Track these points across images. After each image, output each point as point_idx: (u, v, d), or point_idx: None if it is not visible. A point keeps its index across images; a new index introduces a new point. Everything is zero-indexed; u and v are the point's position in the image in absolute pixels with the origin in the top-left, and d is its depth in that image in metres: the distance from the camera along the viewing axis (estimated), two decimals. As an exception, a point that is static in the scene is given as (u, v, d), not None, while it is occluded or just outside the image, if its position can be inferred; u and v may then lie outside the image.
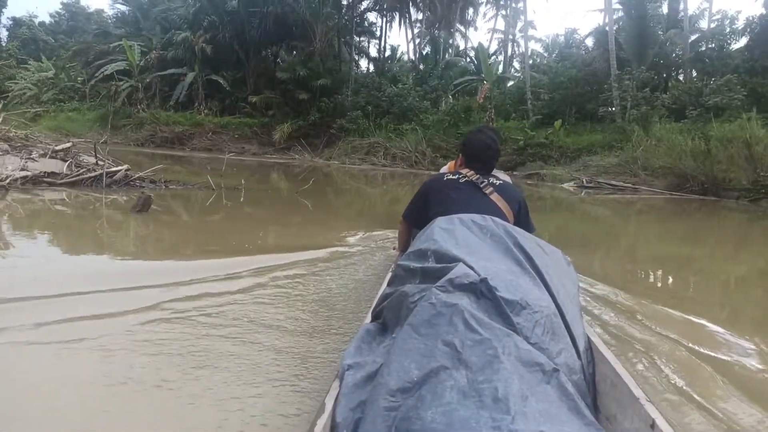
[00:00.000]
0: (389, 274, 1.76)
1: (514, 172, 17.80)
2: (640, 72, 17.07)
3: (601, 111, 17.88)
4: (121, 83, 25.32)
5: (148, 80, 25.35)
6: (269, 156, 22.15)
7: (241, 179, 8.36)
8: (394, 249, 3.17)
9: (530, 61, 25.83)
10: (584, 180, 14.47)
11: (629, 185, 13.99)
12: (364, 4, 29.81)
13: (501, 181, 2.08)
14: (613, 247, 5.99)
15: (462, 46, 33.42)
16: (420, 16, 32.88)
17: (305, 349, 2.00)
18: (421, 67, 29.06)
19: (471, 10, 33.87)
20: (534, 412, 0.96)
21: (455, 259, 1.43)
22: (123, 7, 31.79)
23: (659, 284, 4.17)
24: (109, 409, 1.51)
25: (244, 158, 20.46)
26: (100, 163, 6.95)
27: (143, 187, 6.93)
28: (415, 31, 33.50)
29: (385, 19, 30.71)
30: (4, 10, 48.34)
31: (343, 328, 2.22)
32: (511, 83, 26.86)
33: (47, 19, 46.59)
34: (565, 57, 23.90)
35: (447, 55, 30.86)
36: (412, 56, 32.08)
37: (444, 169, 2.54)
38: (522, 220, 2.02)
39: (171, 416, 1.50)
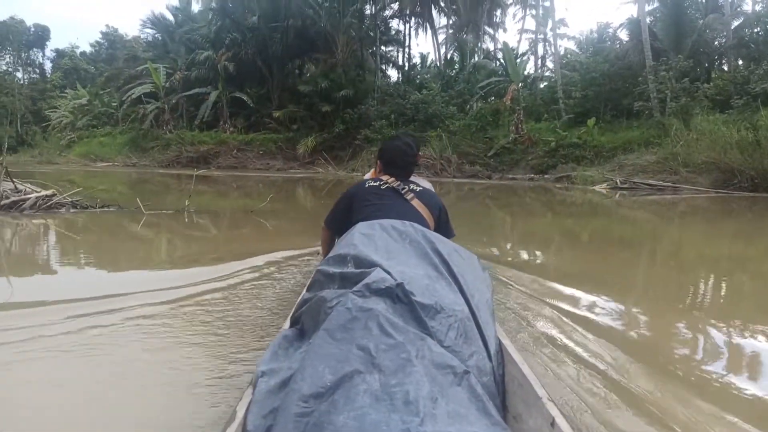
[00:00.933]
0: (310, 280, 1.81)
1: (545, 176, 17.41)
2: (678, 61, 16.40)
3: (637, 105, 17.30)
4: (148, 106, 26.45)
5: (174, 101, 26.38)
6: (294, 171, 22.53)
7: (185, 200, 7.25)
8: (318, 254, 3.27)
9: (563, 60, 25.39)
10: (618, 181, 13.89)
11: (669, 184, 13.39)
12: (388, 13, 30.24)
13: (421, 188, 2.18)
14: (663, 263, 5.13)
15: (492, 49, 33.27)
16: (445, 22, 33.10)
17: (223, 357, 2.04)
18: (451, 72, 29.06)
19: (499, 12, 33.81)
20: (443, 414, 1.01)
21: (373, 264, 1.47)
22: (151, 31, 33.36)
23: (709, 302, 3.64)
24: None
25: (269, 174, 20.89)
26: (19, 188, 6.81)
27: (60, 212, 6.55)
28: (443, 36, 33.71)
29: (408, 26, 30.98)
30: (47, 42, 52.19)
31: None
32: (544, 84, 26.44)
33: (88, 49, 49.72)
34: (597, 52, 23.31)
35: (475, 58, 30.73)
36: (438, 62, 32.16)
37: (367, 176, 2.64)
38: (442, 224, 2.15)
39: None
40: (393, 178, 2.15)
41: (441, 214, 2.16)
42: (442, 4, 30.45)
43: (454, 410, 1.03)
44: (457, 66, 30.25)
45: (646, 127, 16.66)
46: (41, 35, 51.89)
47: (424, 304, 1.32)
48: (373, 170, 2.63)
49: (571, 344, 2.34)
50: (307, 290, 1.65)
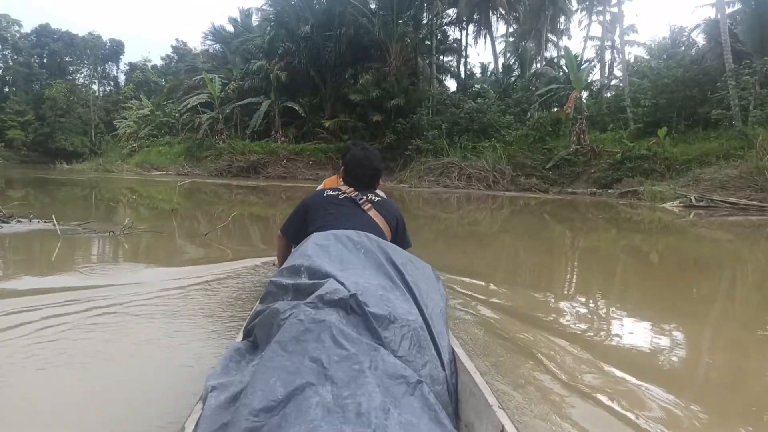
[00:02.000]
0: (263, 291, 1.82)
1: (609, 190, 16.35)
2: (763, 64, 15.01)
3: (715, 114, 16.04)
4: (204, 116, 27.51)
5: (228, 111, 27.31)
6: (342, 181, 22.56)
7: (125, 218, 6.19)
8: (274, 265, 3.30)
9: (633, 68, 24.16)
10: (693, 198, 12.65)
11: (754, 203, 12.09)
12: (445, 20, 30.02)
13: (380, 198, 2.25)
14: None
15: (555, 56, 32.27)
16: (503, 30, 32.49)
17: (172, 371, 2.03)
18: (511, 79, 28.41)
19: (563, 19, 32.81)
20: (395, 424, 1.04)
21: (327, 275, 1.49)
22: (212, 42, 34.98)
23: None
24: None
25: (317, 185, 20.93)
26: None
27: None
28: (504, 45, 33.10)
29: (465, 32, 30.63)
30: (121, 56, 56.50)
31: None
32: (611, 94, 25.21)
33: (159, 63, 53.28)
34: (670, 57, 21.91)
35: (537, 66, 29.87)
36: (496, 70, 31.57)
37: (319, 188, 2.64)
38: (399, 235, 2.24)
39: None
40: (351, 189, 2.21)
41: (398, 224, 2.24)
42: (502, 11, 29.86)
43: (406, 420, 1.07)
44: (515, 73, 29.49)
45: (726, 138, 15.36)
46: (116, 50, 56.34)
47: (377, 314, 1.34)
48: (331, 177, 2.70)
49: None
50: (261, 302, 1.67)
